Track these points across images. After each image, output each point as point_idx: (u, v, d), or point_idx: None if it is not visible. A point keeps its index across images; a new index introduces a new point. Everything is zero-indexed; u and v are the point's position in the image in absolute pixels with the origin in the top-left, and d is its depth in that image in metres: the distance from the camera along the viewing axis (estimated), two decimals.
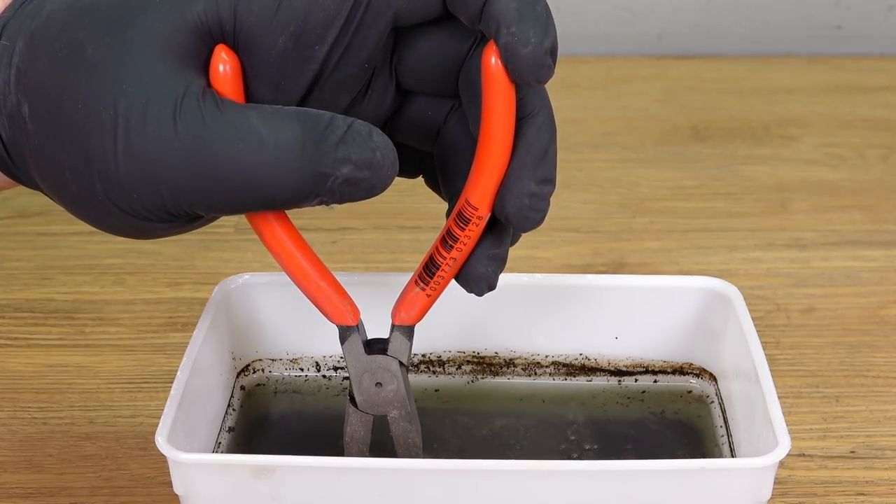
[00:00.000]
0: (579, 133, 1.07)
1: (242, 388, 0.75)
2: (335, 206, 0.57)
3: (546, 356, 0.75)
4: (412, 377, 0.76)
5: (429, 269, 0.61)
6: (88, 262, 0.91)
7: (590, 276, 0.75)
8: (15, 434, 0.76)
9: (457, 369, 0.76)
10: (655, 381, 0.76)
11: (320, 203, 0.55)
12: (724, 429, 0.72)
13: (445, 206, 0.64)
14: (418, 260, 0.63)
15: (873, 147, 1.05)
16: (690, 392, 0.75)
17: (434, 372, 0.76)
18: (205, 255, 0.92)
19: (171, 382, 0.66)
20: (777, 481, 0.64)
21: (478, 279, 0.60)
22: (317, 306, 0.62)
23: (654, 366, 0.75)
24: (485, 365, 0.75)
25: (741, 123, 1.09)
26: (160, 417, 0.64)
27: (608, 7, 1.20)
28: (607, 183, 1.00)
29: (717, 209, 0.97)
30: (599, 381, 0.75)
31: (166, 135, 0.53)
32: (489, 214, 0.59)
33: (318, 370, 0.76)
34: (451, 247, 0.59)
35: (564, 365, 0.75)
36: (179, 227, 0.58)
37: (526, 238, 0.93)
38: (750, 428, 0.68)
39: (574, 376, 0.75)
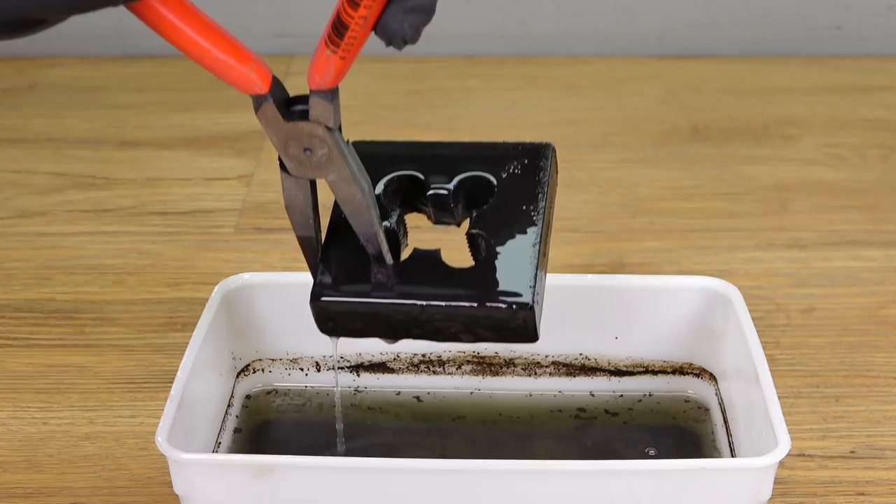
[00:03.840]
0: (579, 133, 1.07)
1: (248, 396, 0.75)
2: None
3: (546, 356, 0.75)
4: (412, 377, 0.76)
5: (337, 30, 0.55)
6: (88, 262, 0.91)
7: (590, 276, 0.75)
8: (15, 434, 0.76)
9: (457, 369, 0.76)
10: (655, 381, 0.76)
11: None
12: (724, 429, 0.72)
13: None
14: None
15: (873, 147, 1.05)
16: (690, 392, 0.75)
17: (434, 372, 0.76)
18: (205, 255, 0.92)
19: (171, 382, 0.66)
20: (777, 481, 0.64)
21: (393, 35, 0.55)
22: (222, 79, 0.57)
23: (654, 366, 0.75)
24: (485, 365, 0.75)
25: (741, 123, 1.09)
26: (160, 417, 0.64)
27: (608, 7, 1.20)
28: (607, 183, 1.00)
29: (717, 209, 0.97)
30: (599, 381, 0.75)
31: None
32: None
33: (319, 370, 0.76)
34: (358, 4, 0.54)
35: (564, 365, 0.75)
36: (32, 30, 0.52)
37: None
38: (750, 428, 0.68)
39: (574, 376, 0.75)
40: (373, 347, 0.75)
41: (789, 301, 0.87)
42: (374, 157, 0.63)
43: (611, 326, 0.75)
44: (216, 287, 0.73)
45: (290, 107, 0.59)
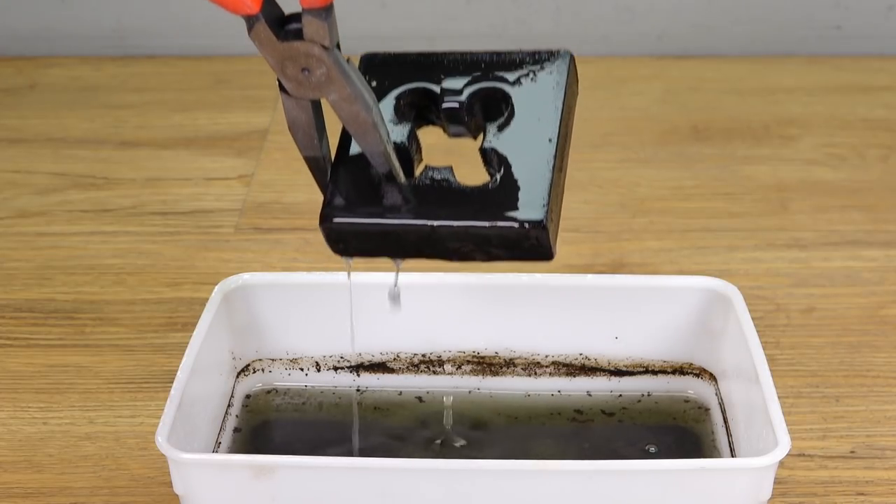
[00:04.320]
0: (579, 133, 1.06)
1: (248, 396, 0.75)
2: None
3: (546, 356, 0.75)
4: (412, 377, 0.76)
5: None
6: (88, 262, 0.91)
7: (590, 276, 0.75)
8: (15, 434, 0.76)
9: (457, 369, 0.76)
10: (655, 381, 0.76)
11: None
12: (724, 429, 0.72)
13: None
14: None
15: (873, 147, 1.05)
16: (690, 392, 0.75)
17: (434, 372, 0.76)
18: (205, 255, 0.92)
19: (171, 382, 0.66)
20: (777, 481, 0.64)
21: None
22: (213, 1, 0.56)
23: (654, 366, 0.75)
24: (485, 365, 0.75)
25: (741, 123, 1.09)
26: (160, 417, 0.64)
27: (608, 7, 1.20)
28: (607, 183, 1.00)
29: (717, 209, 0.97)
30: (599, 381, 0.75)
31: None
32: None
33: (319, 370, 0.76)
34: None
35: (564, 365, 0.75)
36: None
37: None
38: (750, 428, 0.68)
39: (574, 376, 0.75)
40: (373, 347, 0.75)
41: (789, 301, 0.87)
42: (386, 70, 0.62)
43: (611, 326, 0.75)
44: (216, 287, 0.73)
45: (285, 25, 0.57)
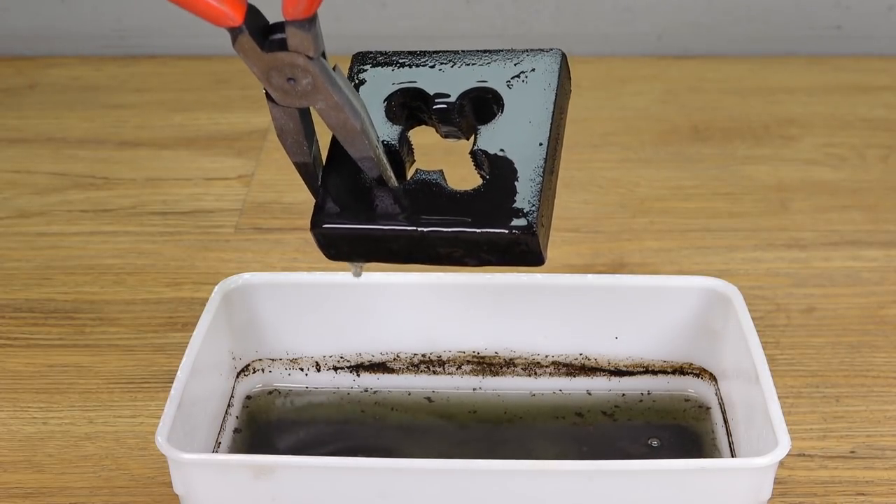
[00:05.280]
0: (579, 133, 1.07)
1: (248, 396, 0.75)
2: None
3: (546, 356, 0.75)
4: (412, 377, 0.76)
5: None
6: (88, 262, 0.91)
7: (590, 276, 0.75)
8: (15, 434, 0.76)
9: (457, 369, 0.76)
10: (655, 381, 0.76)
11: None
12: (724, 429, 0.72)
13: None
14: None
15: (873, 147, 1.05)
16: (690, 392, 0.75)
17: (434, 372, 0.76)
18: (205, 255, 0.92)
19: (171, 382, 0.66)
20: (777, 481, 0.64)
21: None
22: (195, 13, 0.56)
23: (654, 366, 0.75)
24: (485, 365, 0.75)
25: (741, 123, 1.09)
26: (160, 417, 0.64)
27: (608, 7, 1.20)
28: (607, 183, 1.00)
29: (717, 209, 0.97)
30: (599, 381, 0.75)
31: None
32: None
33: (319, 370, 0.76)
34: None
35: (564, 365, 0.75)
36: None
37: None
38: (750, 428, 0.68)
39: (574, 376, 0.75)
40: (373, 347, 0.75)
41: (789, 301, 0.87)
42: (377, 70, 0.62)
43: (611, 326, 0.75)
44: (216, 287, 0.73)
45: (269, 35, 0.57)
